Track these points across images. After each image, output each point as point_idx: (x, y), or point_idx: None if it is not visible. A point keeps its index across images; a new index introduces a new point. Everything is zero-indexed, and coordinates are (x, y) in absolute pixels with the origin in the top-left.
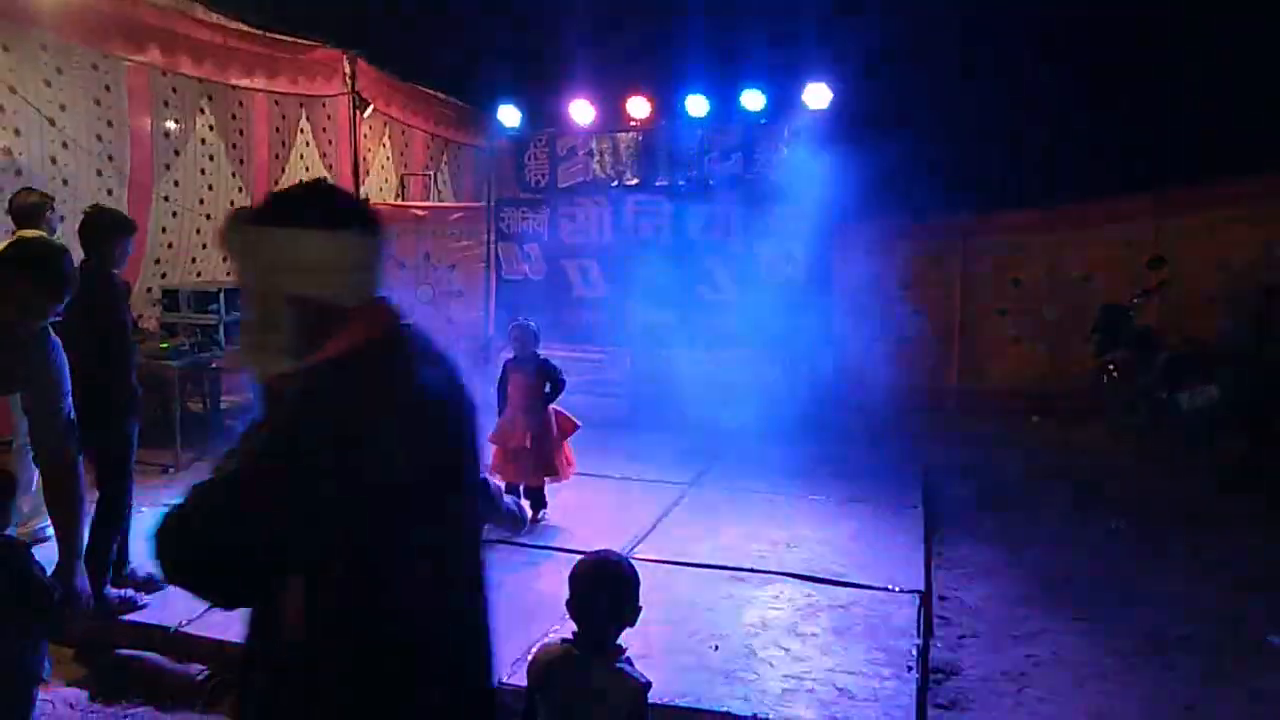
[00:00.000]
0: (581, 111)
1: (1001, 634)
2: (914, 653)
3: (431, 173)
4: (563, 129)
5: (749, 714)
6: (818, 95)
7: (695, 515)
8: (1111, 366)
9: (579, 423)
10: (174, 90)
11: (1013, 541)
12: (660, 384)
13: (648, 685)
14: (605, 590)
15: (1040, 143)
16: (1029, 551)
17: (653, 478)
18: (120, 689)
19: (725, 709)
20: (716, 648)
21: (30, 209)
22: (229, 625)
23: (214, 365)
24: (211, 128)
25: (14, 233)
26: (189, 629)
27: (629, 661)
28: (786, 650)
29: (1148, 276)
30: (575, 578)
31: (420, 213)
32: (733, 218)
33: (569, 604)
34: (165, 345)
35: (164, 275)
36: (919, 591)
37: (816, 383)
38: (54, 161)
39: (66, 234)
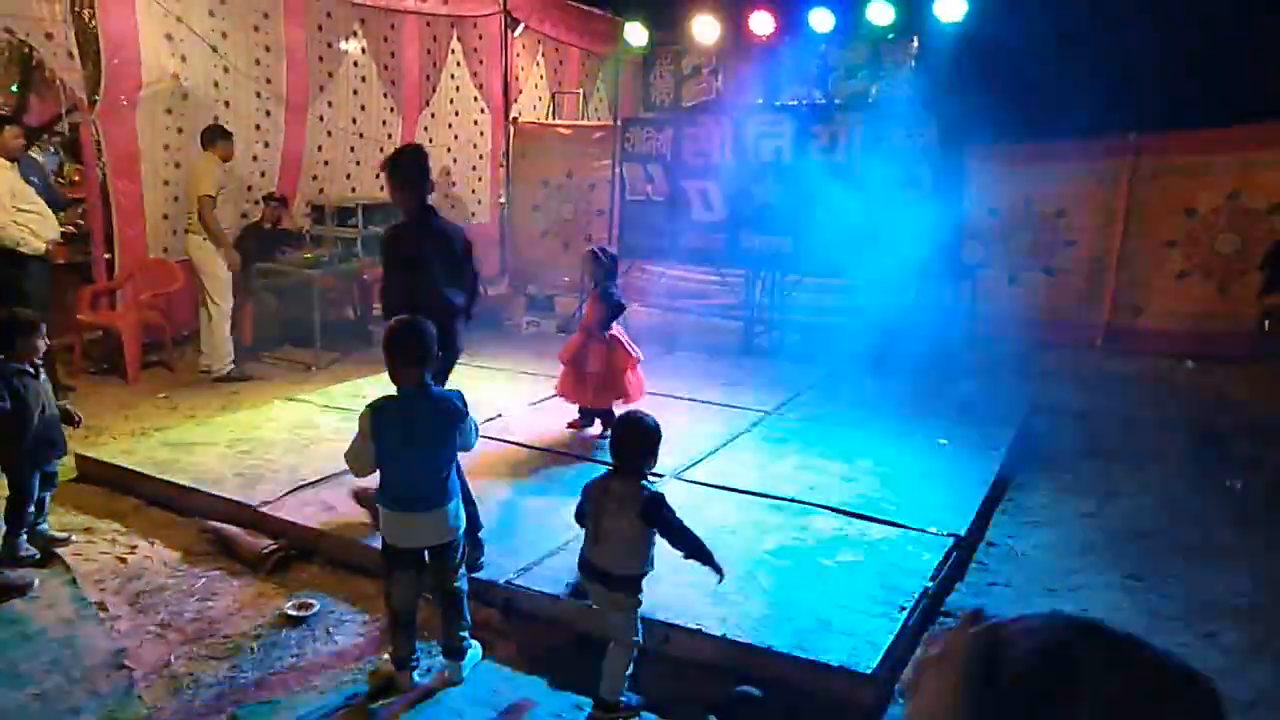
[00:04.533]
0: (706, 28)
1: (1037, 586)
2: (915, 594)
3: (581, 91)
4: (688, 46)
5: (719, 634)
6: (951, 6)
7: (761, 443)
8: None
9: (639, 356)
10: (328, 15)
11: (1102, 492)
12: (773, 309)
13: (659, 495)
14: (632, 436)
15: (1229, 49)
16: (1116, 504)
17: (736, 403)
18: (205, 554)
19: (698, 626)
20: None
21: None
22: (299, 509)
23: (365, 275)
24: (364, 50)
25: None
26: (266, 509)
27: (650, 481)
28: (786, 578)
29: None
30: (613, 426)
31: (565, 131)
32: (856, 139)
33: (610, 444)
34: (309, 256)
35: (321, 190)
36: (957, 535)
37: (939, 314)
38: (216, 85)
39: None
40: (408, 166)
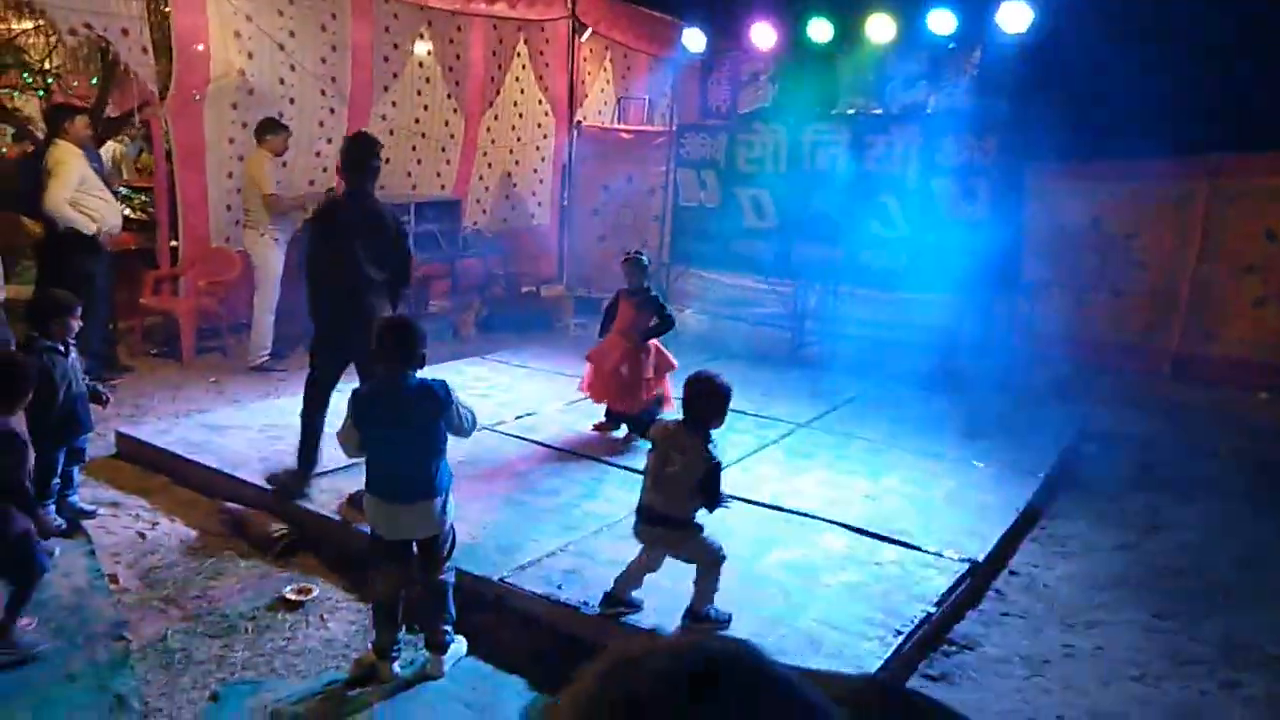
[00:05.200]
0: (763, 34)
1: (1053, 618)
2: (915, 620)
3: (647, 96)
4: (746, 52)
5: None
6: (1015, 15)
7: (788, 455)
8: None
9: (676, 364)
10: (395, 16)
11: (1146, 525)
12: (821, 321)
13: (719, 464)
14: (703, 394)
15: None
16: (1156, 537)
17: (769, 413)
18: (221, 534)
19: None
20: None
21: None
22: (313, 495)
23: (417, 272)
24: (430, 52)
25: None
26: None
27: (714, 444)
28: (786, 595)
29: None
30: (687, 383)
31: (626, 136)
32: (912, 150)
33: (682, 400)
34: None
35: (381, 187)
36: (973, 561)
37: (992, 333)
38: (282, 82)
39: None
40: (350, 152)
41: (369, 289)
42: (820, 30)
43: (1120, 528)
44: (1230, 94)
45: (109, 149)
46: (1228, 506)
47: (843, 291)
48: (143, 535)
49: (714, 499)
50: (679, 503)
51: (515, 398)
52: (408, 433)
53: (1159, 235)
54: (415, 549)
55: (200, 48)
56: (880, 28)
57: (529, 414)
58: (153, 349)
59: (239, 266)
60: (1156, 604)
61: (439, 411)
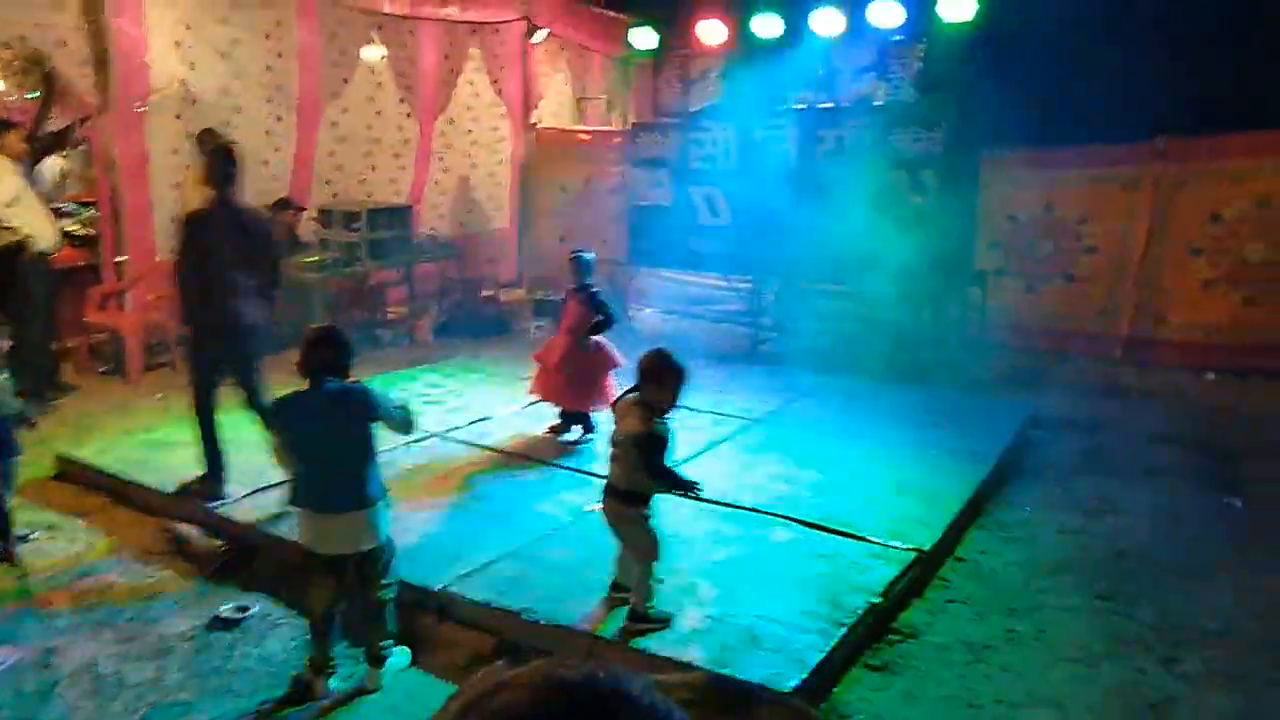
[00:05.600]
0: (711, 31)
1: (997, 604)
2: (858, 611)
3: (605, 97)
4: (695, 50)
5: (640, 647)
6: (958, 6)
7: (739, 451)
8: None
9: (621, 362)
10: (342, 22)
11: (1092, 508)
12: (778, 316)
13: (655, 434)
14: (653, 368)
15: (1261, 50)
16: (1102, 520)
17: (722, 410)
18: (161, 553)
19: (622, 637)
20: (661, 581)
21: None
22: (254, 511)
23: (371, 280)
24: (381, 57)
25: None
26: (220, 510)
27: (665, 421)
28: (729, 591)
29: None
30: (640, 361)
31: (584, 137)
32: (863, 143)
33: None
34: (310, 259)
35: (335, 195)
36: (919, 550)
37: (947, 323)
38: (226, 92)
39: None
40: (212, 163)
41: (235, 294)
42: (767, 25)
43: (1066, 512)
44: (1178, 78)
45: (54, 164)
46: (1172, 488)
47: (801, 286)
48: (79, 557)
49: (656, 473)
50: (625, 475)
51: (469, 403)
52: (330, 440)
53: (1109, 220)
54: (352, 565)
55: (141, 59)
56: (827, 21)
57: (482, 419)
58: (100, 366)
59: None
60: (1098, 586)
61: (362, 415)
